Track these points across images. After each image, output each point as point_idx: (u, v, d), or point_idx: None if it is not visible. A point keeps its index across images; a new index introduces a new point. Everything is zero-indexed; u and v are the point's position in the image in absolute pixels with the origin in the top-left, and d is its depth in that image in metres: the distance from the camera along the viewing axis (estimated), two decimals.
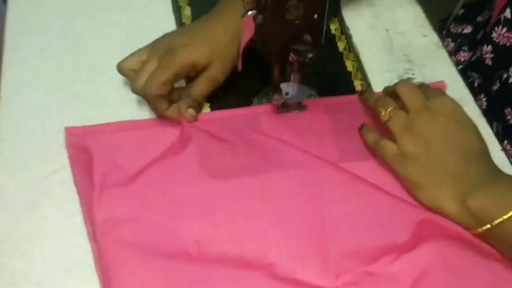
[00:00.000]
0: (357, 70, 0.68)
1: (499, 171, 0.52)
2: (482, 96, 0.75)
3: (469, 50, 0.80)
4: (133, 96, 0.61)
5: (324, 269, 0.50)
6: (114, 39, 0.69)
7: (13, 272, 0.51)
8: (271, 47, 0.52)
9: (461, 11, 0.89)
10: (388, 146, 0.55)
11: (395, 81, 0.60)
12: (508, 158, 0.60)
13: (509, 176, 0.52)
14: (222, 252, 0.51)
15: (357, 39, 0.71)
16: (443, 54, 0.70)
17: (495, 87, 0.73)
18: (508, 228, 0.47)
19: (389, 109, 0.55)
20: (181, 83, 0.61)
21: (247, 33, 0.53)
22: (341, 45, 0.70)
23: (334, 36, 0.71)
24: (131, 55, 0.60)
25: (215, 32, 0.60)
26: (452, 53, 0.82)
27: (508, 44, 0.71)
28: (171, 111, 0.58)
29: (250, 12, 0.52)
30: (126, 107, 0.62)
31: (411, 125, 0.54)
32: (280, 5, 0.49)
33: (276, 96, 0.59)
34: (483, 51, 0.74)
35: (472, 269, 0.49)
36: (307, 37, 0.53)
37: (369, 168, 0.57)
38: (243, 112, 0.62)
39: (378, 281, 0.49)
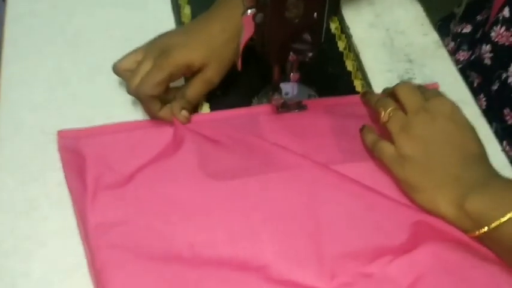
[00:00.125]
0: (357, 70, 0.67)
1: (497, 174, 0.52)
2: (482, 96, 0.74)
3: (468, 50, 0.79)
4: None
5: (319, 270, 0.50)
6: (113, 38, 0.69)
7: (12, 272, 0.51)
8: (271, 46, 0.52)
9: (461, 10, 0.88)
10: (386, 148, 0.54)
11: (396, 81, 0.60)
12: (507, 158, 0.60)
13: (506, 178, 0.51)
14: (216, 254, 0.50)
15: (357, 39, 0.71)
16: (443, 53, 0.70)
17: (494, 87, 0.72)
18: (505, 231, 0.47)
19: (389, 110, 0.55)
20: (181, 81, 0.61)
21: (247, 32, 0.53)
22: (341, 45, 0.70)
23: (334, 35, 0.71)
24: (127, 55, 0.59)
25: (212, 32, 0.59)
26: (452, 53, 0.82)
27: (507, 44, 0.70)
28: (164, 112, 0.58)
29: (249, 11, 0.52)
30: (126, 106, 0.62)
31: (409, 126, 0.53)
32: (279, 3, 0.49)
33: (276, 96, 0.58)
34: (482, 51, 0.74)
35: (469, 272, 0.49)
36: (307, 36, 0.52)
37: (368, 169, 0.57)
38: (242, 112, 0.61)
39: (374, 283, 0.49)
